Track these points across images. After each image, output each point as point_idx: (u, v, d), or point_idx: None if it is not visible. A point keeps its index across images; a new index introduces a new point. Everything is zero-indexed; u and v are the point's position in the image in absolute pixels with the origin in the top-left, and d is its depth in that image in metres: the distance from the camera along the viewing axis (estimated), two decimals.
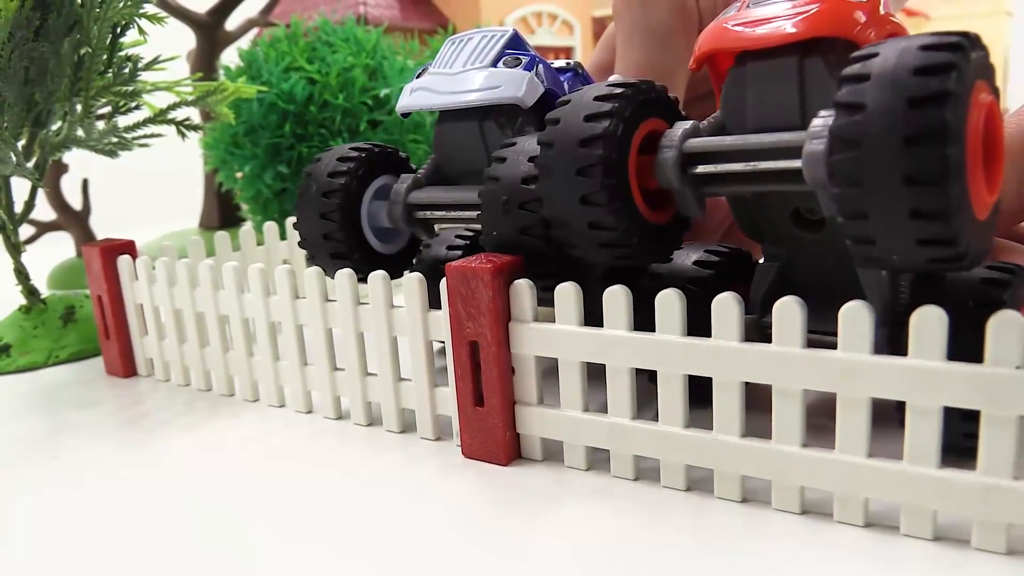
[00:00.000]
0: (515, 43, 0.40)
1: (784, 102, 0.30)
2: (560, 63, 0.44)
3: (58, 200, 0.82)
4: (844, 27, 0.29)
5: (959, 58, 0.24)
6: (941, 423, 0.26)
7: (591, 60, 0.57)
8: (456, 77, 0.39)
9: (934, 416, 0.26)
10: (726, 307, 0.29)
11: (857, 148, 0.24)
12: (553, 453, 0.35)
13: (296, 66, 0.72)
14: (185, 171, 1.05)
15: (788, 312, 0.28)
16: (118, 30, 0.49)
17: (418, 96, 0.40)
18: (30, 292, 0.54)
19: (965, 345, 0.26)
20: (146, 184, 1.48)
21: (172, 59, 0.56)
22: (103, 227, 0.87)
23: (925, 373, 0.26)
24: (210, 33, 0.88)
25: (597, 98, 0.31)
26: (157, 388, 0.47)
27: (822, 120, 0.27)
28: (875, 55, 0.25)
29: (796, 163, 0.28)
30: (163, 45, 0.59)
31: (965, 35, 0.25)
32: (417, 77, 0.41)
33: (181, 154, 0.85)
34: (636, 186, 0.32)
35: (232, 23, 0.90)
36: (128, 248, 0.48)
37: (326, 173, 0.41)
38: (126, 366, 0.49)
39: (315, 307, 0.39)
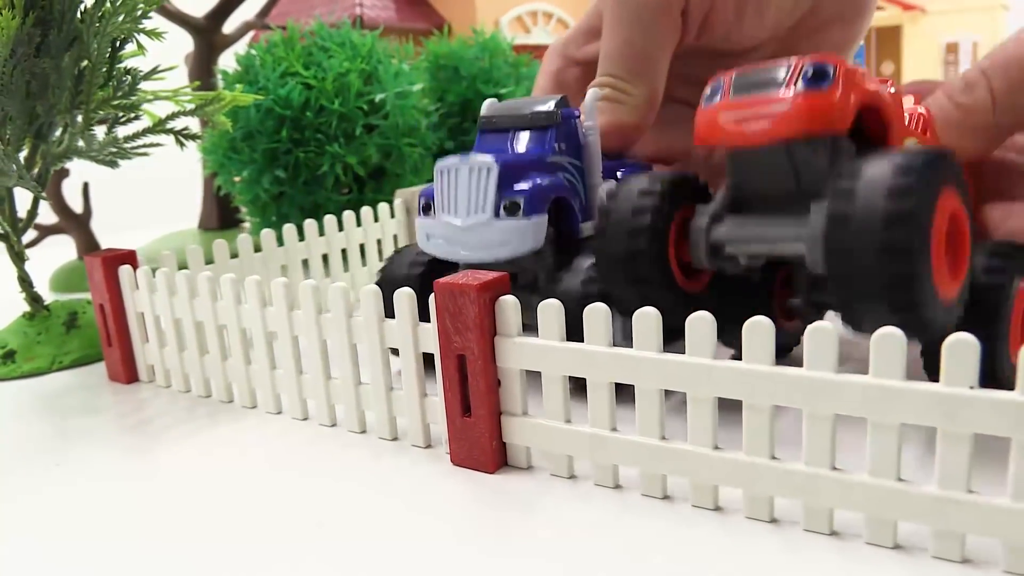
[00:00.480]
0: None
1: (780, 176, 0.35)
2: None
3: (60, 204, 0.83)
4: (819, 121, 0.33)
5: (923, 180, 0.29)
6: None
7: (578, 23, 0.58)
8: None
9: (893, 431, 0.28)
10: (699, 327, 0.31)
11: (845, 254, 0.30)
12: (538, 461, 0.37)
13: (292, 71, 0.73)
14: (185, 174, 1.06)
15: (758, 333, 0.30)
16: (117, 44, 0.50)
17: None
18: (34, 299, 0.55)
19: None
20: (147, 187, 1.49)
21: (171, 69, 0.57)
22: (105, 230, 0.89)
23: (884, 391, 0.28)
24: (208, 37, 0.89)
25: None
26: (158, 394, 0.48)
27: (816, 218, 0.33)
28: (860, 172, 0.30)
29: (801, 248, 0.34)
30: (161, 49, 0.60)
31: (935, 154, 0.30)
32: None
33: (181, 158, 0.86)
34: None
35: (229, 26, 0.90)
36: (129, 258, 0.49)
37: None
38: (128, 373, 0.50)
39: (310, 319, 0.41)
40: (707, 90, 0.36)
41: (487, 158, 0.41)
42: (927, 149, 0.31)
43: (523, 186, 0.41)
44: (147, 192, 1.49)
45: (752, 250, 0.36)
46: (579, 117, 0.45)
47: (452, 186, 0.42)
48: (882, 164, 0.30)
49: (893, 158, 0.30)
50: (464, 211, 0.41)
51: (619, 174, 0.48)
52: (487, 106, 0.47)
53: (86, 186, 0.83)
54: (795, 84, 0.33)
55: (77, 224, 0.83)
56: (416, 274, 0.46)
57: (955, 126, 0.39)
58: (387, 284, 0.46)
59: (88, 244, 0.84)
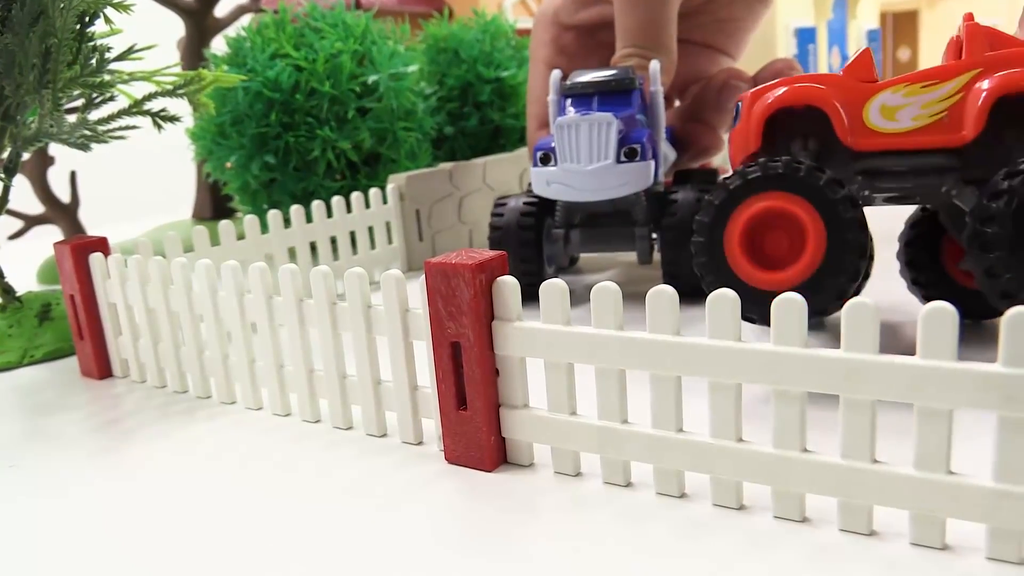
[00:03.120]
0: None
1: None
2: None
3: (45, 193, 0.81)
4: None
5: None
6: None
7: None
8: None
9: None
10: (720, 305, 0.27)
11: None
12: (541, 458, 0.33)
13: (282, 53, 0.70)
14: (182, 162, 1.03)
15: (787, 309, 0.26)
16: (86, 19, 0.47)
17: None
18: (5, 290, 0.52)
19: None
20: (142, 176, 1.46)
21: (149, 48, 0.54)
22: (97, 220, 0.86)
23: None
24: (198, 20, 0.86)
25: None
26: (132, 390, 0.45)
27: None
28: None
29: None
30: (152, 33, 0.57)
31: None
32: None
33: (178, 146, 0.83)
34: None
35: (223, 10, 0.87)
36: (100, 245, 0.46)
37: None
38: (101, 367, 0.47)
39: (290, 307, 0.37)
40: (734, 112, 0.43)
41: (606, 115, 0.48)
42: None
43: (637, 136, 0.49)
44: (143, 181, 1.46)
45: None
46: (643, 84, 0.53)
47: (571, 138, 0.49)
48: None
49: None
50: (587, 158, 0.49)
51: (667, 133, 0.56)
52: (573, 75, 0.54)
53: (73, 174, 0.80)
54: None
55: (64, 214, 0.80)
56: (530, 213, 0.54)
57: None
58: (502, 232, 0.55)
59: (75, 234, 0.81)
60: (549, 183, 0.50)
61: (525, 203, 0.55)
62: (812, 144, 0.40)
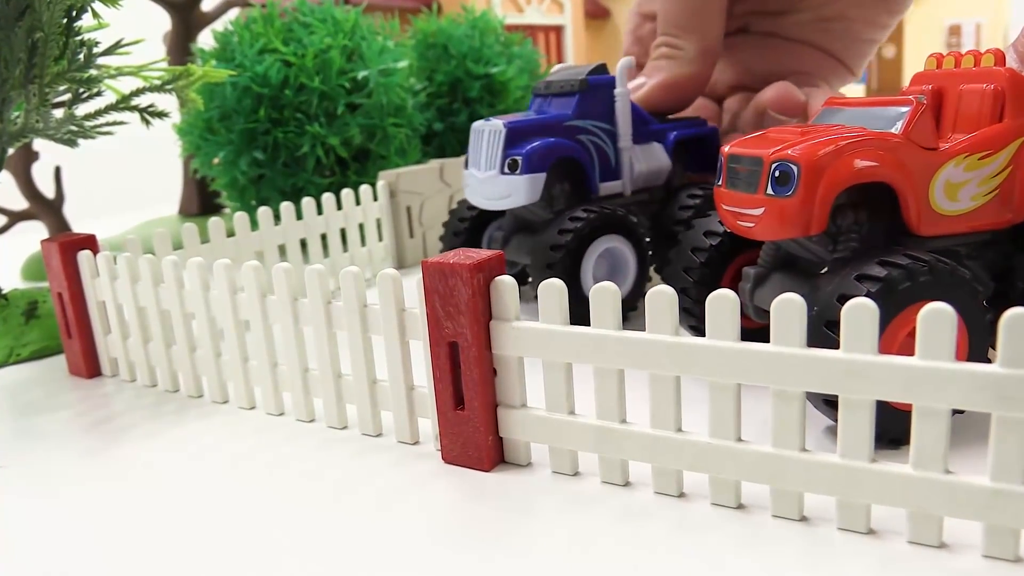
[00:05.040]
0: None
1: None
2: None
3: (29, 189, 0.79)
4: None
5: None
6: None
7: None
8: None
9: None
10: (720, 304, 0.27)
11: None
12: (538, 458, 0.33)
13: (271, 48, 0.70)
14: (169, 158, 1.02)
15: (786, 313, 0.26)
16: (73, 14, 0.46)
17: None
18: None
19: None
20: (129, 171, 1.44)
21: (136, 43, 0.53)
22: (82, 216, 0.85)
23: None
24: (185, 14, 0.85)
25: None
26: (122, 389, 0.44)
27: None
28: None
29: None
30: (138, 28, 0.57)
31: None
32: None
33: (164, 141, 0.82)
34: None
35: (210, 4, 0.86)
36: (89, 243, 0.45)
37: None
38: (89, 366, 0.46)
39: (285, 305, 0.37)
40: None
41: (498, 122, 0.47)
42: None
43: (524, 147, 0.47)
44: (128, 177, 1.44)
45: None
46: (614, 83, 0.50)
47: (477, 144, 0.49)
48: None
49: None
50: (483, 166, 0.48)
51: (671, 136, 0.52)
52: (553, 70, 0.53)
53: (58, 170, 0.79)
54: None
55: (49, 210, 0.79)
56: (469, 217, 0.54)
57: None
58: (445, 229, 0.55)
59: (60, 230, 0.80)
60: (466, 186, 0.50)
61: (469, 206, 0.54)
62: (862, 217, 0.34)
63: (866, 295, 0.29)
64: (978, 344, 0.31)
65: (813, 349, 0.26)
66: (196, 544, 0.29)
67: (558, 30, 1.78)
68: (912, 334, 0.30)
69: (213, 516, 0.31)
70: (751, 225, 0.34)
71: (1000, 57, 0.34)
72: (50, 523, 0.31)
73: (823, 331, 0.30)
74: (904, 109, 0.34)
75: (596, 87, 0.49)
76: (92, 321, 0.46)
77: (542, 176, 0.47)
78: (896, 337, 0.30)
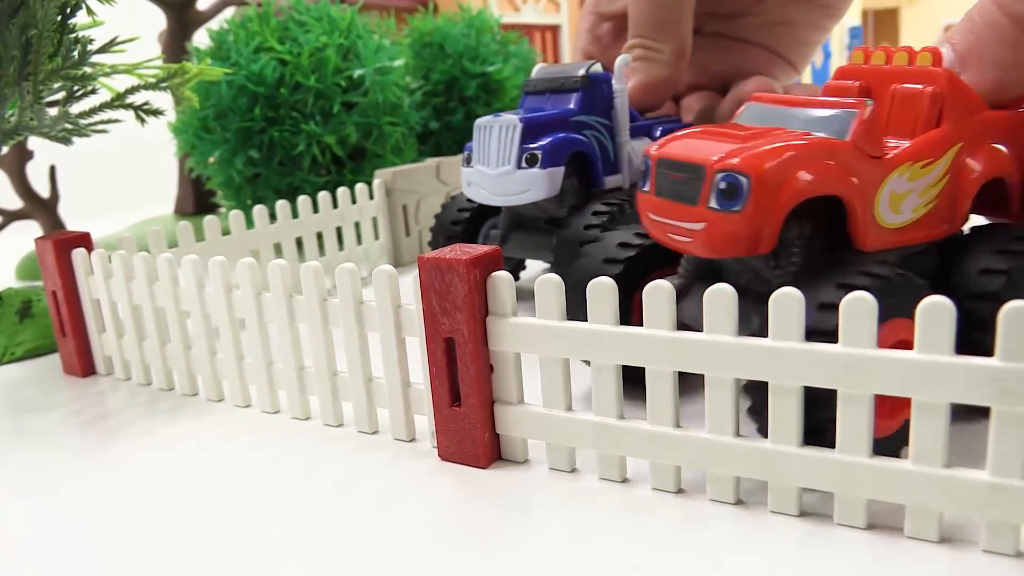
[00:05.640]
0: None
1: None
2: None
3: (24, 188, 0.79)
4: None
5: None
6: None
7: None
8: None
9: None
10: (718, 301, 0.27)
11: None
12: (535, 455, 0.33)
13: (267, 46, 0.69)
14: (165, 156, 1.02)
15: (784, 306, 0.26)
16: (67, 11, 0.46)
17: None
18: None
19: None
20: (124, 170, 1.44)
21: (131, 40, 0.53)
22: (76, 214, 0.84)
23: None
24: (180, 13, 0.84)
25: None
26: (116, 388, 0.44)
27: None
28: None
29: None
30: (133, 26, 0.56)
31: None
32: None
33: (160, 140, 0.82)
34: None
35: (205, 2, 0.86)
36: (83, 241, 0.45)
37: None
38: (84, 365, 0.46)
39: (280, 303, 0.37)
40: None
41: (513, 117, 0.47)
42: None
43: (542, 141, 0.47)
44: (124, 176, 1.44)
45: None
46: (611, 80, 0.50)
47: (486, 141, 0.48)
48: None
49: None
50: (494, 162, 0.48)
51: (657, 132, 0.53)
52: (534, 70, 0.53)
53: (52, 169, 0.78)
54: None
55: (44, 209, 0.79)
56: (464, 219, 0.54)
57: (1011, 44, 0.32)
58: (436, 225, 0.55)
59: (55, 230, 0.79)
60: (469, 184, 0.50)
61: (459, 207, 0.55)
62: (807, 230, 0.31)
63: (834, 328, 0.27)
64: None
65: (812, 343, 0.26)
66: (192, 543, 0.29)
67: (554, 29, 1.78)
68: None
69: (209, 515, 0.31)
70: (688, 240, 0.31)
71: (937, 56, 0.32)
72: (45, 522, 0.31)
73: None
74: (843, 112, 0.31)
75: (596, 83, 0.50)
76: (87, 319, 0.46)
77: (561, 170, 0.47)
78: None
